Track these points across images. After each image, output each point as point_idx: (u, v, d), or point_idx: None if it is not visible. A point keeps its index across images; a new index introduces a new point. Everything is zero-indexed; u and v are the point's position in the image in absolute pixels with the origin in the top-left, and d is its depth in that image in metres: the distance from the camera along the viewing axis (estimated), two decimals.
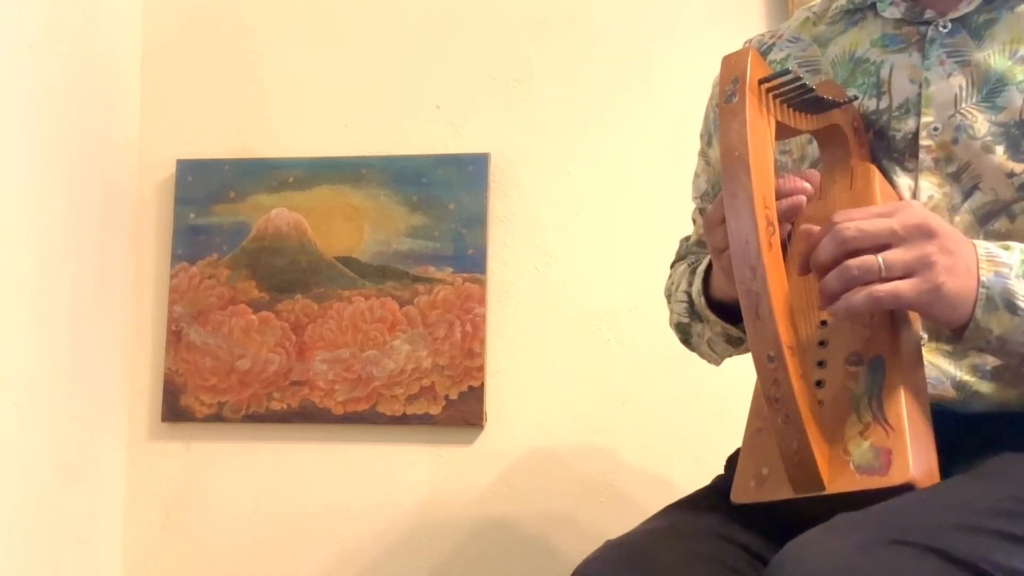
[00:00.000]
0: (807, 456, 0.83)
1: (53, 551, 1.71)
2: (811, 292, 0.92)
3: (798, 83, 0.90)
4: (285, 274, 1.89)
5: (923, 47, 1.02)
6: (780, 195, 0.91)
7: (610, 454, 1.79)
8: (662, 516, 0.99)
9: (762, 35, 1.20)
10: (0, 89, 1.60)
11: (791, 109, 0.94)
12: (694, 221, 1.27)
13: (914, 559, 0.73)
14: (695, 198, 1.25)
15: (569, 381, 1.82)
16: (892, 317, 0.90)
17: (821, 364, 0.91)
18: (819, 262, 0.86)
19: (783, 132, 0.94)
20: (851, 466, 0.83)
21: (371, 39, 1.95)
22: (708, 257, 1.10)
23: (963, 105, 0.99)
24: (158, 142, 1.98)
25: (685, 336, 1.19)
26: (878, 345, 0.89)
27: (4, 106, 1.61)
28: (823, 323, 0.93)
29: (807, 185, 0.93)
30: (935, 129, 1.00)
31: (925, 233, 0.84)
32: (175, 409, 1.89)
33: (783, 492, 0.86)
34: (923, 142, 1.00)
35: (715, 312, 1.09)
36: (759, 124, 0.87)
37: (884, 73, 1.03)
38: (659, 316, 1.28)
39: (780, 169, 1.02)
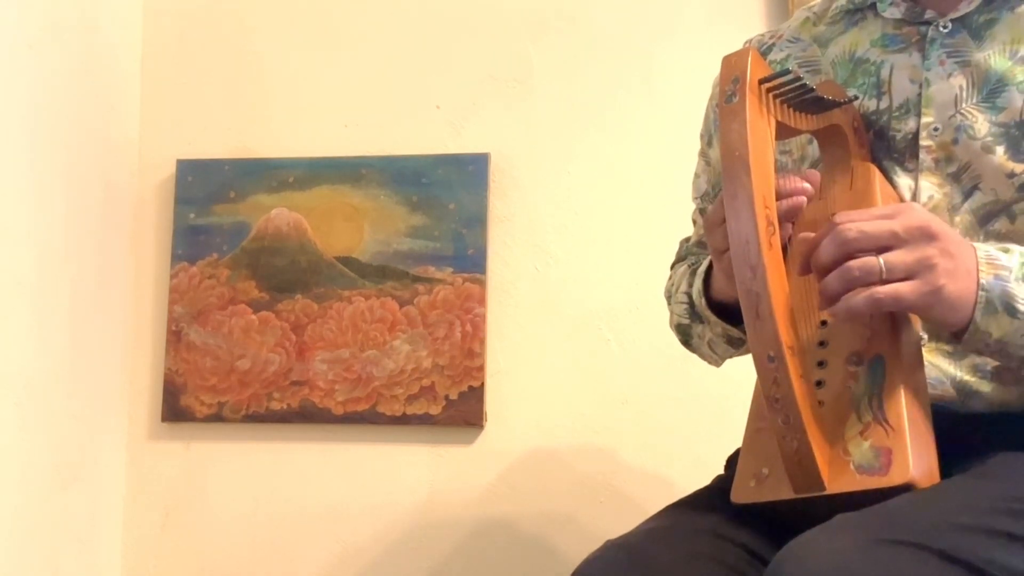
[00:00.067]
0: (807, 456, 0.83)
1: (53, 551, 1.71)
2: (811, 292, 0.92)
3: (798, 83, 0.90)
4: (285, 274, 1.89)
5: (923, 47, 1.02)
6: (780, 195, 0.91)
7: (610, 454, 1.79)
8: (662, 516, 0.99)
9: (762, 35, 1.20)
10: (0, 89, 1.60)
11: (791, 109, 0.94)
12: (694, 222, 1.27)
13: (914, 559, 0.73)
14: (695, 198, 1.25)
15: (569, 381, 1.82)
16: (892, 317, 0.90)
17: (821, 364, 0.91)
18: (820, 263, 0.86)
19: (783, 132, 0.94)
20: (851, 466, 0.83)
21: (371, 39, 1.95)
22: (708, 258, 1.10)
23: (963, 105, 0.99)
24: (158, 142, 1.98)
25: (685, 337, 1.19)
26: (878, 345, 0.89)
27: (4, 106, 1.61)
28: (823, 323, 0.93)
29: (807, 185, 0.93)
30: (935, 129, 1.00)
31: (926, 235, 0.84)
32: (175, 409, 1.89)
33: (783, 492, 0.86)
34: (923, 142, 1.00)
35: (715, 313, 1.09)
36: (759, 124, 0.87)
37: (884, 73, 1.03)
38: (659, 316, 1.28)
39: (780, 169, 1.02)
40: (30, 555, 1.65)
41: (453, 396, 1.81)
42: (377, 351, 1.84)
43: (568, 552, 1.76)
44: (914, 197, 1.00)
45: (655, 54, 1.87)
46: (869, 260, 0.83)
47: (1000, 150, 0.97)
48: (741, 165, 0.84)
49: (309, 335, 1.86)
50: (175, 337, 1.90)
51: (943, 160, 0.99)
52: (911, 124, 1.01)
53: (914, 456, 0.82)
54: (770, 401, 0.83)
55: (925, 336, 0.96)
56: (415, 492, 1.83)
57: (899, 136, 1.02)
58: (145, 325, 1.94)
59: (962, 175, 0.99)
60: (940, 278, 0.84)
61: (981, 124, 0.98)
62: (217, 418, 1.87)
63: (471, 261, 1.84)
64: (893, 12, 1.05)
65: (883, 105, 1.03)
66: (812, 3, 1.16)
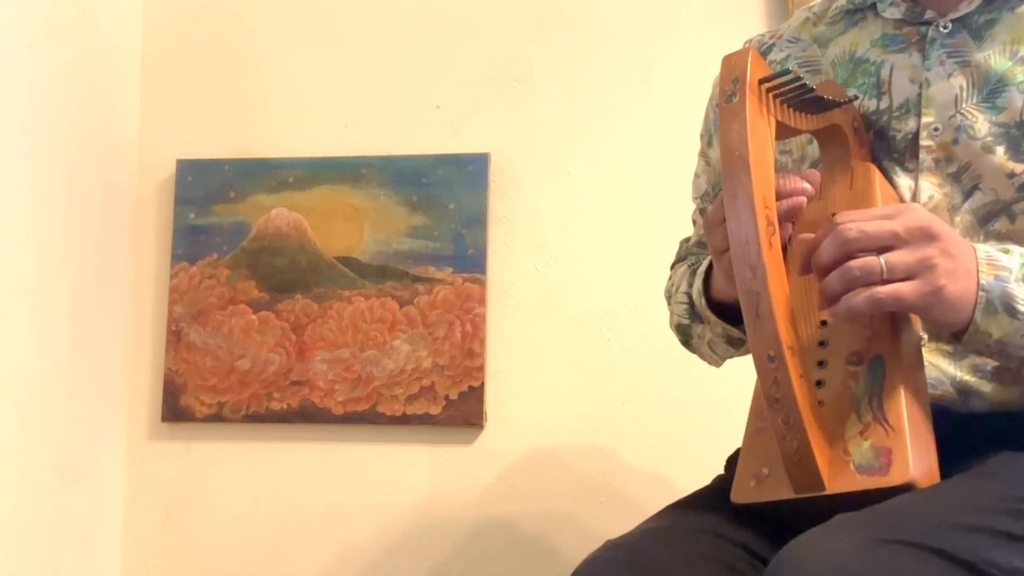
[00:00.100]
0: (807, 456, 0.83)
1: (53, 551, 1.71)
2: (811, 292, 0.92)
3: (798, 83, 0.90)
4: (285, 274, 1.89)
5: (923, 47, 1.02)
6: (780, 195, 0.91)
7: (610, 454, 1.79)
8: (662, 516, 0.99)
9: (762, 35, 1.20)
10: (0, 89, 1.60)
11: (791, 109, 0.94)
12: (694, 222, 1.27)
13: (914, 559, 0.73)
14: (695, 198, 1.25)
15: (569, 381, 1.82)
16: (892, 317, 0.90)
17: (821, 364, 0.91)
18: (820, 263, 0.86)
19: (783, 132, 0.94)
20: (851, 466, 0.84)
21: (371, 39, 1.95)
22: (708, 258, 1.10)
23: (963, 105, 0.99)
24: (158, 142, 1.98)
25: (685, 337, 1.19)
26: (878, 345, 0.89)
27: (4, 106, 1.61)
28: (823, 323, 0.93)
29: (807, 185, 0.93)
30: (935, 129, 1.00)
31: (927, 236, 0.84)
32: (175, 409, 1.89)
33: (783, 492, 0.86)
34: (923, 142, 1.00)
35: (716, 313, 1.09)
36: (759, 124, 0.87)
37: (884, 73, 1.03)
38: (659, 316, 1.28)
39: (780, 169, 1.02)
40: (30, 555, 1.65)
41: (453, 396, 1.81)
42: (377, 351, 1.84)
43: (568, 552, 1.76)
44: (914, 197, 1.00)
45: (655, 54, 1.87)
46: (870, 260, 0.84)
47: (1000, 150, 0.97)
48: (741, 165, 0.84)
49: (309, 335, 1.86)
50: (175, 337, 1.90)
51: (943, 160, 0.99)
52: (911, 124, 1.01)
53: (914, 456, 0.82)
54: (770, 401, 0.83)
55: (925, 336, 0.96)
56: (415, 492, 1.83)
57: (899, 136, 1.02)
58: (145, 325, 1.94)
59: (962, 175, 0.99)
60: (940, 278, 0.84)
61: (981, 124, 0.98)
62: (217, 418, 1.87)
63: (471, 261, 1.84)
64: (893, 12, 1.05)
65: (883, 105, 1.03)
66: (812, 3, 1.16)
